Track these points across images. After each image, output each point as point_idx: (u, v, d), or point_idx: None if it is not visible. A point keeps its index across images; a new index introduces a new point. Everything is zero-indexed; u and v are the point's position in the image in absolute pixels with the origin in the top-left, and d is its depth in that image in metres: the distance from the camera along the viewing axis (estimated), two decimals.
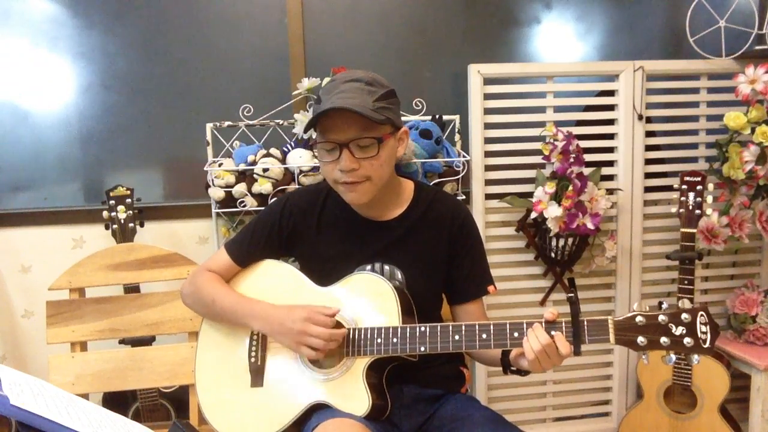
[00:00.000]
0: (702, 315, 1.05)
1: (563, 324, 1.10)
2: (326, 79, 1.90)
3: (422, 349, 1.18)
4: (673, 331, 1.05)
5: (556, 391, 2.22)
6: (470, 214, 1.39)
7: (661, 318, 1.06)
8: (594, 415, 2.26)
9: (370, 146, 1.20)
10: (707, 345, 1.04)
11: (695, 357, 1.05)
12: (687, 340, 1.04)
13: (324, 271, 1.31)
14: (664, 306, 1.07)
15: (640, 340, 1.06)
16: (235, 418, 1.28)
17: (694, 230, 1.88)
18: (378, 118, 1.17)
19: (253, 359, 1.29)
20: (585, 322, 1.09)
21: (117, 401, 1.94)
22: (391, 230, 1.32)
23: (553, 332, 1.09)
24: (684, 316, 1.05)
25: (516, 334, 1.14)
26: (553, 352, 1.08)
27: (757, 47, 2.03)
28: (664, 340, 1.05)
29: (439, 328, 1.18)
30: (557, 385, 2.21)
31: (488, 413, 1.27)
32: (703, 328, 1.04)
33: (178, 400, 1.98)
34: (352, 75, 1.22)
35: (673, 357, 1.07)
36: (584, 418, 2.26)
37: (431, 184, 1.91)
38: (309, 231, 1.35)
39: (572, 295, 1.08)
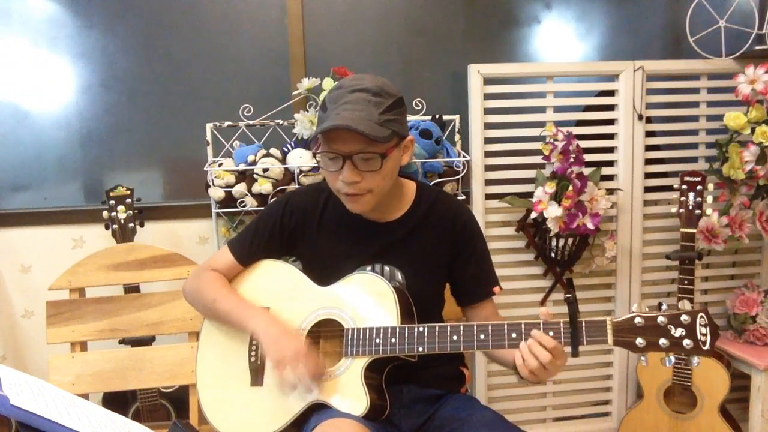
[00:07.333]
0: (702, 316, 1.03)
1: (561, 325, 1.09)
2: (327, 80, 1.90)
3: (420, 349, 1.17)
4: (672, 332, 1.03)
5: (556, 391, 2.22)
6: (473, 216, 1.39)
7: (660, 319, 1.04)
8: (594, 415, 2.26)
9: (373, 160, 1.18)
10: (707, 347, 1.02)
11: (695, 359, 1.04)
12: (686, 342, 1.03)
13: (324, 271, 1.31)
14: (664, 307, 1.06)
15: (639, 341, 1.04)
16: (235, 417, 1.28)
17: (694, 230, 1.88)
18: (382, 135, 1.14)
19: (252, 358, 1.29)
20: (583, 323, 1.07)
21: (117, 401, 1.94)
22: (392, 231, 1.32)
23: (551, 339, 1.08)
24: (683, 317, 1.03)
25: (514, 335, 1.12)
26: (551, 364, 1.06)
27: (757, 47, 2.03)
28: (663, 341, 1.03)
29: (437, 328, 1.17)
30: (557, 385, 2.21)
31: (488, 413, 1.27)
32: (703, 330, 1.03)
33: (178, 400, 1.97)
34: (359, 83, 1.18)
35: (672, 359, 1.05)
36: (584, 418, 2.26)
37: (431, 184, 1.91)
38: (310, 230, 1.35)
39: (570, 295, 1.07)
